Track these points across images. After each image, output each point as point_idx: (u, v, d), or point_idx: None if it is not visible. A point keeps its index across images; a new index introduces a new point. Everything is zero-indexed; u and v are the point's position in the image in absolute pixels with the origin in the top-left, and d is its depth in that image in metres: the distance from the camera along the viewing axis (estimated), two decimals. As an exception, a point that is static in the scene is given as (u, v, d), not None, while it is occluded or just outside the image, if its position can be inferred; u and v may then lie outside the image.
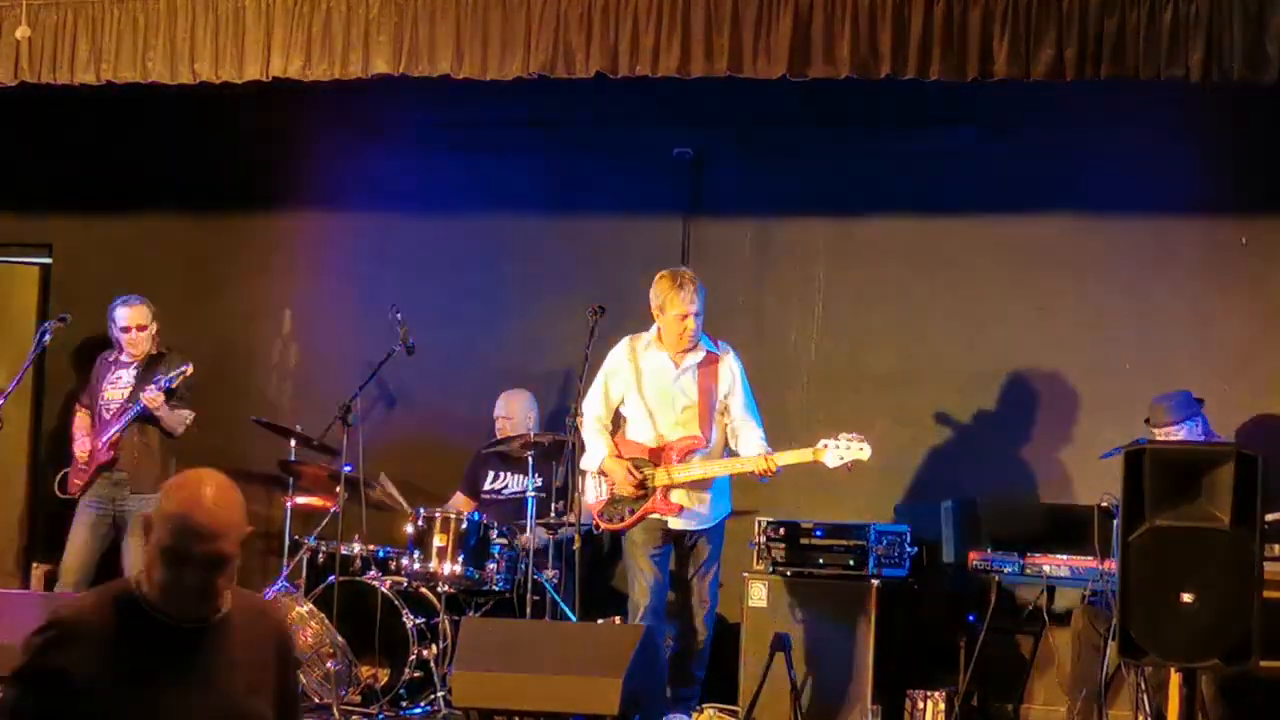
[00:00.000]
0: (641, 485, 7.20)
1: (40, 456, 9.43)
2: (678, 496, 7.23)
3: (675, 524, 7.26)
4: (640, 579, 7.27)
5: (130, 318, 8.33)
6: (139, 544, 8.08)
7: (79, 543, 8.22)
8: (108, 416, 8.27)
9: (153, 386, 8.08)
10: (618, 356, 7.38)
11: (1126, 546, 5.84)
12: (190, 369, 8.13)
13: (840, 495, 8.21)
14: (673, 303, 7.15)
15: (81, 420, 8.49)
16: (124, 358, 8.38)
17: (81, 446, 8.33)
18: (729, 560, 7.51)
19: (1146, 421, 7.25)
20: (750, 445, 7.23)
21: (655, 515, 7.24)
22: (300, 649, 7.44)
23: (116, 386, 8.34)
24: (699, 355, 7.28)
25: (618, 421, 7.47)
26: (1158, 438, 7.16)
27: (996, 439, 8.30)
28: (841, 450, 7.01)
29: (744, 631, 7.62)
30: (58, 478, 8.45)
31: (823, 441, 7.04)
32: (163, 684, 3.53)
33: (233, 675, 3.61)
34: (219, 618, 3.61)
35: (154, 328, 8.39)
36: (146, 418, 8.18)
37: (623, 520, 7.28)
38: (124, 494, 8.22)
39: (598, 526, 7.41)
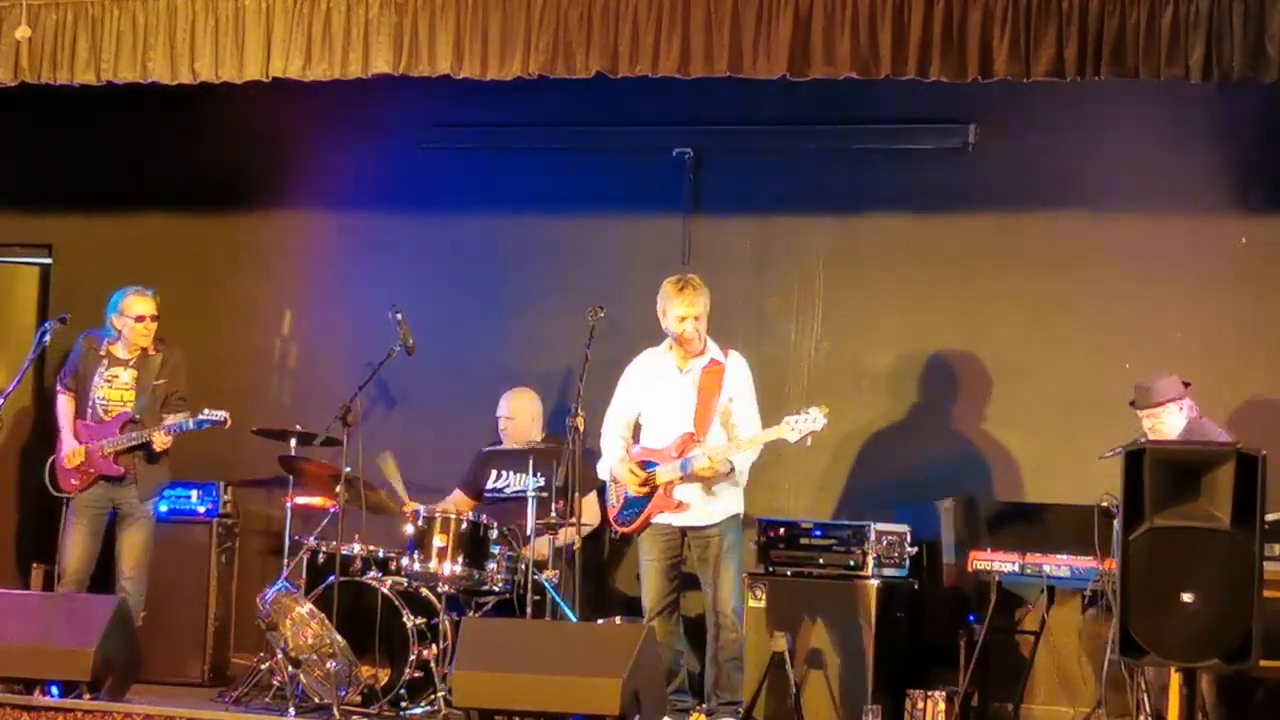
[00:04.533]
0: (646, 484, 7.34)
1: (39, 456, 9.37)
2: (681, 494, 7.31)
3: (680, 522, 7.35)
4: (646, 585, 7.45)
5: (146, 307, 8.10)
6: (135, 538, 8.10)
7: (79, 547, 8.09)
8: (105, 417, 8.10)
9: (166, 432, 7.95)
10: (631, 367, 7.60)
11: (1126, 546, 5.84)
12: (228, 421, 7.98)
13: (839, 495, 8.21)
14: (672, 304, 7.33)
15: (67, 405, 8.22)
16: (120, 352, 8.16)
17: (74, 447, 8.09)
18: (728, 560, 7.52)
19: (1132, 404, 7.23)
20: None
21: (662, 517, 7.36)
22: (300, 649, 7.46)
23: (114, 386, 8.15)
24: (704, 360, 7.42)
25: (638, 433, 7.59)
26: (1143, 420, 7.17)
27: (996, 439, 8.29)
28: (800, 424, 7.10)
29: (744, 631, 7.62)
30: (46, 469, 8.21)
31: (785, 419, 7.16)
32: None
33: None
34: None
35: None
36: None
37: (633, 523, 7.42)
38: (128, 494, 8.13)
39: (615, 531, 7.61)
